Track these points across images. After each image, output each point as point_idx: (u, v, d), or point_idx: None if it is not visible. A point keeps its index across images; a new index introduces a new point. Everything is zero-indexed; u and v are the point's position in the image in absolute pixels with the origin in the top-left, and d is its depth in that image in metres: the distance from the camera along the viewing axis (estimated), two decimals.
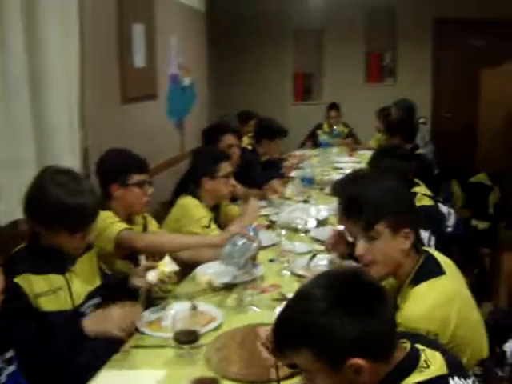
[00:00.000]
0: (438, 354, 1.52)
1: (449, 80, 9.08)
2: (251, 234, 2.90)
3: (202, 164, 3.69)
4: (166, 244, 3.01)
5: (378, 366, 1.44)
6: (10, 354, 1.94)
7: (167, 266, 2.56)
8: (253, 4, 8.82)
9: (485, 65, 7.58)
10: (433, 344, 1.60)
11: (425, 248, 2.27)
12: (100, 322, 2.26)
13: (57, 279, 2.36)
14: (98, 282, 2.58)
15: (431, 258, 2.17)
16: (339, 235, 3.06)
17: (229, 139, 4.60)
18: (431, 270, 2.11)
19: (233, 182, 3.71)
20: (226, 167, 3.66)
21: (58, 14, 3.27)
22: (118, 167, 3.06)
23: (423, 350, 1.52)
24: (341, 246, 3.06)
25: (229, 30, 8.86)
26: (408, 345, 1.53)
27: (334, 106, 7.98)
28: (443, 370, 1.48)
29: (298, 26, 9.11)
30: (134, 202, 3.07)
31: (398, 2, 8.85)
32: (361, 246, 2.11)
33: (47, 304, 2.28)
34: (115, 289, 2.65)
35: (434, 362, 1.48)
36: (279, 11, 8.90)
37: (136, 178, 3.04)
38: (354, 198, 2.21)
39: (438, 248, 3.10)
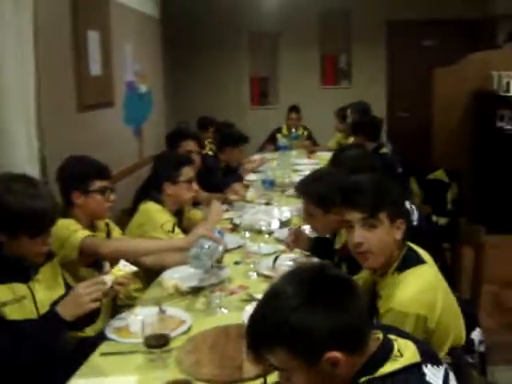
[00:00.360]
0: (410, 343, 1.54)
1: (404, 80, 9.23)
2: (217, 235, 2.90)
3: (164, 169, 3.66)
4: (132, 249, 2.99)
5: (354, 358, 1.45)
6: None
7: (122, 267, 2.51)
8: (206, 7, 8.80)
9: (438, 64, 7.70)
10: (404, 334, 1.62)
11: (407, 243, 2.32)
12: (71, 303, 2.24)
13: (20, 288, 2.32)
14: (61, 291, 2.53)
15: (412, 249, 2.22)
16: (297, 232, 3.22)
17: (188, 145, 4.61)
18: (414, 259, 2.16)
19: (195, 186, 3.67)
20: (187, 172, 3.63)
21: (12, 24, 3.22)
22: (78, 174, 3.01)
23: (395, 339, 1.54)
24: (301, 242, 3.20)
25: (183, 35, 8.83)
26: (381, 335, 1.54)
27: (294, 109, 8.02)
28: (416, 358, 1.49)
29: (253, 29, 9.12)
30: (96, 208, 3.02)
31: (351, 4, 8.95)
32: (359, 235, 2.13)
33: (12, 313, 2.25)
34: None
35: (406, 351, 1.50)
36: (233, 15, 8.90)
37: (97, 184, 3.00)
38: (357, 186, 2.22)
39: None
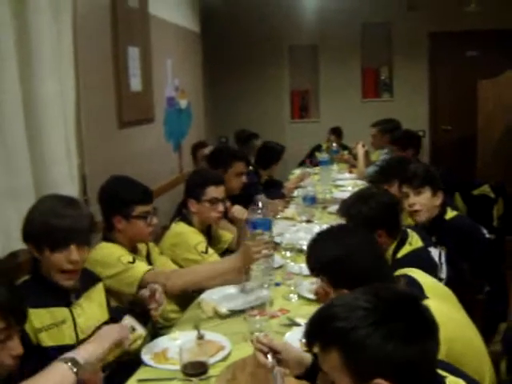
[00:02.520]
0: (461, 382, 1.44)
1: (446, 93, 9.05)
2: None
3: (191, 186, 3.61)
4: (195, 282, 2.94)
5: None
6: None
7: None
8: (246, 21, 8.79)
9: (482, 76, 7.55)
10: (456, 371, 1.52)
11: (405, 271, 2.24)
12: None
13: (61, 312, 2.28)
14: (105, 317, 2.49)
15: (412, 282, 2.14)
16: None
17: (239, 167, 4.44)
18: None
19: (221, 208, 3.55)
20: (213, 192, 3.52)
21: (52, 41, 3.22)
22: (120, 198, 2.93)
23: (446, 376, 1.45)
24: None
25: (223, 50, 8.82)
26: None
27: (335, 132, 7.96)
28: None
29: (293, 42, 9.07)
30: (138, 233, 2.96)
31: (392, 15, 8.82)
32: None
33: (48, 339, 2.21)
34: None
35: None
36: (273, 28, 8.85)
37: (140, 209, 2.93)
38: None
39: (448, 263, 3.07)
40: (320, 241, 2.30)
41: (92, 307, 2.45)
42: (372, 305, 1.39)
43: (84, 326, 2.35)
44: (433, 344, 1.40)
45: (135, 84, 4.78)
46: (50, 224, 2.23)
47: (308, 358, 1.92)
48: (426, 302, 1.96)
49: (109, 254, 2.72)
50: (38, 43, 3.08)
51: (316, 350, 1.47)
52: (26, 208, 2.88)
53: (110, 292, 2.70)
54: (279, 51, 9.09)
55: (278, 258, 3.46)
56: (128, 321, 2.23)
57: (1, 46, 2.78)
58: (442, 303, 2.10)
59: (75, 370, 1.83)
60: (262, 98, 9.12)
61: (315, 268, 2.25)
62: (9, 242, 2.81)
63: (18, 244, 2.85)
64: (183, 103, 6.28)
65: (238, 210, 3.69)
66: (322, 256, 2.22)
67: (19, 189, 2.89)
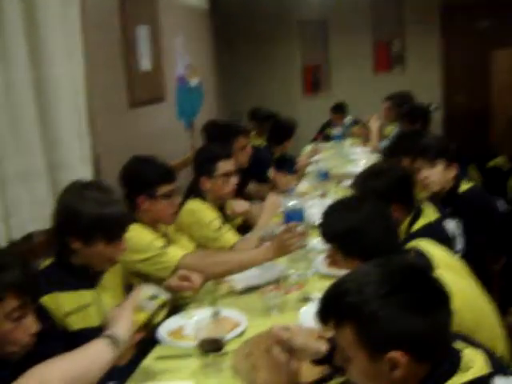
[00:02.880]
0: (478, 353, 1.43)
1: (460, 64, 8.92)
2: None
3: (201, 163, 3.56)
4: (231, 270, 2.87)
5: (418, 367, 1.37)
6: None
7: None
8: None
9: (495, 46, 7.44)
10: (473, 342, 1.51)
11: (418, 246, 2.23)
12: None
13: (86, 295, 2.28)
14: (123, 297, 2.50)
15: (420, 256, 2.15)
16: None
17: (241, 141, 4.47)
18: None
19: (233, 181, 3.54)
20: (224, 166, 3.49)
21: (60, 21, 3.21)
22: (144, 178, 2.89)
23: (463, 349, 1.44)
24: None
25: (232, 26, 8.76)
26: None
27: (335, 110, 7.89)
28: (486, 370, 1.39)
29: (303, 17, 8.98)
30: (162, 214, 2.93)
31: None
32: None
33: (75, 323, 2.21)
34: None
35: (475, 362, 1.40)
36: (282, 5, 8.79)
37: (164, 188, 2.90)
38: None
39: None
40: (334, 211, 2.32)
41: (113, 287, 2.45)
42: (382, 278, 1.40)
43: (108, 306, 2.35)
44: (445, 314, 1.40)
45: (145, 63, 4.76)
46: (105, 215, 2.22)
47: (324, 344, 1.92)
48: (435, 273, 1.99)
49: (139, 239, 2.70)
50: (46, 25, 3.07)
51: (330, 326, 1.47)
52: (38, 190, 2.91)
53: (137, 274, 2.71)
54: (289, 27, 9.00)
55: None
56: (147, 288, 2.18)
57: (9, 28, 2.78)
58: (451, 273, 2.08)
59: (113, 346, 1.84)
60: (273, 75, 9.07)
61: (328, 236, 2.26)
62: (22, 224, 2.82)
63: (32, 226, 2.88)
64: (194, 81, 6.25)
65: (238, 205, 3.71)
66: (335, 225, 2.23)
67: (31, 171, 2.90)
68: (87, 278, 2.31)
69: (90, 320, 2.26)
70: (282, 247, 2.74)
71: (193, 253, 3.00)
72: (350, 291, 1.41)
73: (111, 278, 2.46)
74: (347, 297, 1.41)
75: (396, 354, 1.33)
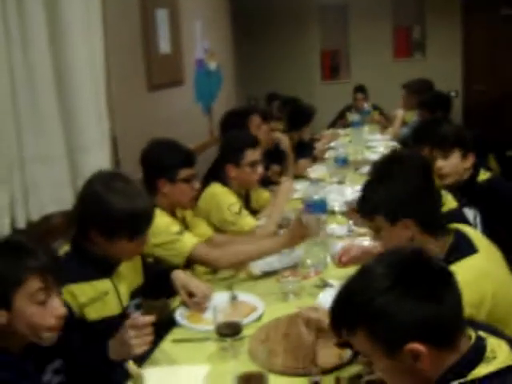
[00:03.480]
0: (503, 343, 1.42)
1: (481, 51, 8.81)
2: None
3: (228, 151, 3.57)
4: (246, 258, 2.89)
5: (441, 354, 1.35)
6: (57, 363, 1.92)
7: None
8: None
9: None
10: (496, 332, 1.49)
11: (455, 226, 2.19)
12: (117, 348, 2.02)
13: (103, 284, 2.26)
14: (139, 280, 2.51)
15: (462, 236, 2.09)
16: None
17: (255, 120, 4.49)
18: (462, 249, 2.03)
19: (260, 169, 3.55)
20: (251, 154, 3.50)
21: (80, 4, 3.19)
22: (165, 162, 2.91)
23: (487, 338, 1.42)
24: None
25: (252, 9, 8.71)
26: (473, 333, 1.43)
27: (360, 89, 7.82)
28: (511, 361, 1.37)
29: (323, 2, 8.92)
30: (182, 197, 2.96)
31: None
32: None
33: (93, 312, 2.19)
34: (155, 285, 2.60)
35: (500, 351, 1.38)
36: None
37: (184, 172, 2.92)
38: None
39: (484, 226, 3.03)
40: (375, 181, 2.26)
41: (130, 273, 2.44)
42: (383, 272, 1.38)
43: (125, 292, 2.36)
44: (452, 295, 1.38)
45: (164, 46, 4.75)
46: (135, 210, 2.20)
47: None
48: (476, 256, 1.97)
49: (156, 222, 2.70)
50: (66, 8, 3.06)
51: (345, 336, 1.45)
52: (57, 172, 2.92)
53: (152, 257, 2.72)
54: (309, 11, 8.95)
55: None
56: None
57: (29, 12, 2.77)
58: (490, 258, 2.06)
59: None
60: (291, 60, 9.02)
61: (371, 208, 2.18)
62: (41, 205, 2.83)
63: (50, 207, 2.89)
64: (213, 65, 6.23)
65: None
66: (380, 194, 2.15)
67: (51, 153, 2.90)
68: (104, 267, 2.29)
69: (108, 309, 2.24)
70: (298, 234, 2.74)
71: (207, 242, 3.02)
72: (355, 292, 1.40)
73: (128, 267, 2.44)
74: (353, 298, 1.40)
75: (414, 345, 1.31)
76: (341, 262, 2.68)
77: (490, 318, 1.86)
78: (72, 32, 3.10)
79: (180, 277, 2.57)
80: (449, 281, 1.40)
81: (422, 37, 9.08)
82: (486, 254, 2.05)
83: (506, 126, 7.44)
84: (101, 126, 3.36)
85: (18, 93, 2.68)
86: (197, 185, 3.02)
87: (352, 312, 1.39)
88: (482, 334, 1.43)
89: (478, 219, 3.02)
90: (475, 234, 2.15)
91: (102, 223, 2.20)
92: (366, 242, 3.05)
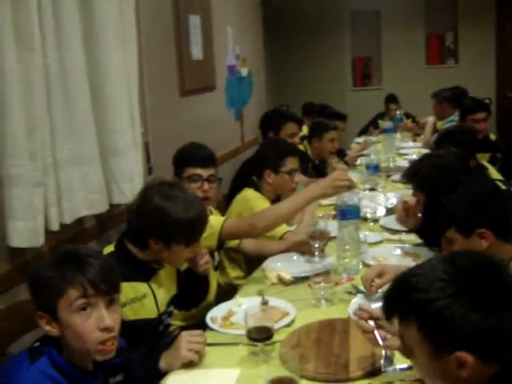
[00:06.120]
0: None
1: None
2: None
3: (268, 155, 3.56)
4: (279, 219, 2.93)
5: (485, 367, 1.32)
6: (119, 377, 1.95)
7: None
8: None
9: None
10: None
11: None
12: (171, 355, 2.10)
13: (142, 287, 2.30)
14: (174, 291, 2.52)
15: None
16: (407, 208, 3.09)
17: (291, 128, 4.50)
18: None
19: (297, 179, 3.55)
20: (291, 163, 3.51)
21: (115, 9, 3.22)
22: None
23: None
24: (411, 219, 3.07)
25: (284, 16, 8.71)
26: None
27: (391, 99, 7.78)
28: None
29: (355, 7, 8.90)
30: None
31: None
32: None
33: (131, 313, 2.23)
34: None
35: None
36: None
37: (190, 171, 3.03)
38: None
39: None
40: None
41: (166, 282, 2.46)
42: (450, 275, 1.35)
43: (162, 299, 2.39)
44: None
45: (196, 52, 4.77)
46: (191, 220, 2.25)
47: None
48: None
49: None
50: (101, 12, 3.08)
51: (395, 320, 1.45)
52: (90, 174, 2.94)
53: None
54: (340, 17, 8.93)
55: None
56: None
57: (65, 15, 2.79)
58: None
59: None
60: (323, 66, 9.01)
61: (444, 222, 2.19)
62: (74, 208, 2.85)
63: (83, 211, 2.91)
64: (244, 71, 6.24)
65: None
66: (451, 207, 2.16)
67: (84, 156, 2.92)
68: (143, 271, 2.33)
69: (147, 311, 2.29)
70: (332, 186, 2.79)
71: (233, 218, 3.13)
72: (417, 287, 1.37)
73: (166, 272, 2.46)
74: (413, 293, 1.37)
75: (463, 354, 1.29)
76: (371, 290, 2.49)
77: None
78: (106, 37, 3.13)
79: None
80: None
81: (455, 44, 9.00)
82: None
83: None
84: (134, 131, 3.38)
85: (53, 96, 2.70)
86: (205, 186, 3.05)
87: (411, 304, 1.38)
88: None
89: None
90: None
91: (162, 232, 2.25)
92: (399, 250, 3.03)
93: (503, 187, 3.44)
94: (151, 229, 2.26)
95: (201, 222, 2.32)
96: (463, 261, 1.41)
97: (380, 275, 2.47)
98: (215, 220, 2.87)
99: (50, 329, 1.72)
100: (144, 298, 2.29)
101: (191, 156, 3.06)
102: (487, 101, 8.40)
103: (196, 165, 3.02)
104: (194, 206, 2.28)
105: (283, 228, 3.30)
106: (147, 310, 2.30)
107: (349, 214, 2.86)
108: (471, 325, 1.29)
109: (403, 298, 1.41)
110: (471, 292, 1.32)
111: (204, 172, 3.03)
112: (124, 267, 2.23)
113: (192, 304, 2.70)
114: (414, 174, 2.90)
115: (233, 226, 2.88)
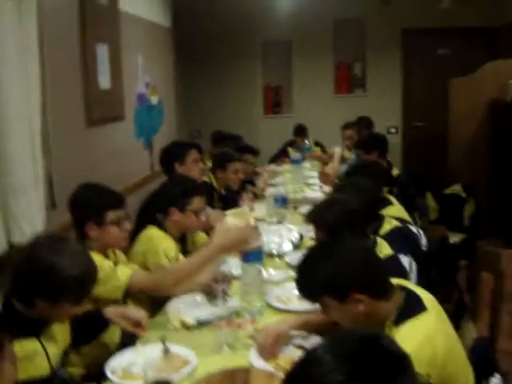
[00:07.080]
0: None
1: (419, 89, 9.04)
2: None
3: (173, 194, 3.49)
4: (189, 273, 2.91)
5: None
6: None
7: None
8: (218, 16, 8.68)
9: (455, 73, 7.53)
10: None
11: (405, 284, 2.20)
12: None
13: (31, 344, 2.18)
14: (68, 340, 2.43)
15: (411, 295, 2.10)
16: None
17: (194, 154, 4.52)
18: (412, 307, 2.04)
19: (203, 218, 3.51)
20: (197, 202, 3.46)
21: (16, 36, 3.12)
22: (92, 205, 2.90)
23: None
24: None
25: (194, 44, 8.71)
26: None
27: (300, 131, 7.87)
28: None
29: (266, 37, 8.99)
30: (112, 240, 2.94)
31: (366, 11, 8.79)
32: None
33: (21, 373, 2.04)
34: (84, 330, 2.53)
35: None
36: (245, 23, 8.78)
37: (112, 215, 2.90)
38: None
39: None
40: (315, 260, 2.18)
41: (59, 333, 2.36)
42: (334, 364, 1.29)
43: (56, 354, 2.30)
44: (406, 379, 1.33)
45: (104, 81, 4.69)
46: (82, 277, 2.20)
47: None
48: (426, 315, 1.99)
49: None
50: (1, 41, 2.99)
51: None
52: None
53: (94, 299, 2.63)
54: (252, 46, 9.01)
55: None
56: None
57: None
58: (438, 315, 2.07)
59: None
60: (234, 94, 9.06)
61: (316, 290, 2.12)
62: None
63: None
64: (154, 100, 6.19)
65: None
66: (324, 274, 2.09)
67: None
68: (31, 326, 2.21)
69: (36, 370, 2.16)
70: (224, 230, 2.89)
71: (141, 270, 3.05)
72: (310, 382, 1.31)
73: (58, 328, 2.36)
74: None
75: None
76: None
77: (442, 375, 1.88)
78: (7, 66, 3.04)
79: (112, 310, 2.58)
80: (406, 369, 1.34)
81: (363, 73, 9.24)
82: (433, 310, 2.06)
83: (443, 162, 7.61)
84: (35, 165, 3.28)
85: None
86: (127, 225, 2.98)
87: None
88: None
89: (414, 266, 3.05)
90: (422, 292, 2.16)
91: (47, 292, 2.15)
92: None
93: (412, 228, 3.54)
94: (38, 287, 2.15)
95: (90, 278, 2.25)
96: (344, 346, 1.36)
97: (275, 341, 2.41)
98: (121, 272, 2.80)
99: None
100: (35, 356, 2.17)
101: (111, 199, 2.97)
102: (393, 129, 8.71)
103: (118, 207, 2.95)
104: (85, 261, 2.23)
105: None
106: (38, 368, 2.18)
107: (252, 256, 2.85)
108: None
109: None
110: (361, 377, 1.28)
111: (123, 213, 2.98)
112: (9, 324, 2.12)
113: (91, 336, 2.63)
114: (316, 219, 2.91)
115: (139, 282, 2.83)
